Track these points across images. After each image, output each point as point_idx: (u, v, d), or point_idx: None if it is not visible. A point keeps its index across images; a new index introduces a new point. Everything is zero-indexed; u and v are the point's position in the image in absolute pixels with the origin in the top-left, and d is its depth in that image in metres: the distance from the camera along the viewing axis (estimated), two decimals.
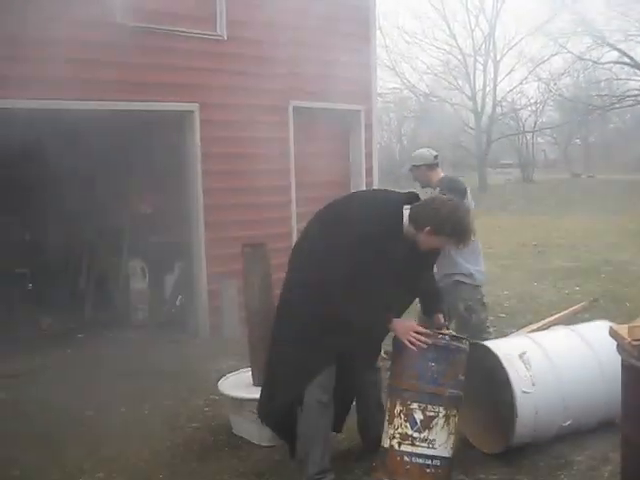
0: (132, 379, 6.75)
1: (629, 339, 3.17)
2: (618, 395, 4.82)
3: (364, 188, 9.87)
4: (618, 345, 3.30)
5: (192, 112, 7.98)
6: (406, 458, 4.17)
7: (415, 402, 4.19)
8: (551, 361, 4.87)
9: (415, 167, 6.45)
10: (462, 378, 4.30)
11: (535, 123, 41.37)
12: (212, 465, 4.84)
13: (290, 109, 8.88)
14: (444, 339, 4.26)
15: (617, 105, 38.37)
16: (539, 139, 45.41)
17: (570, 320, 8.11)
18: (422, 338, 4.15)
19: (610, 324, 5.53)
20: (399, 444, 4.19)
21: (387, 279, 4.15)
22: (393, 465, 4.20)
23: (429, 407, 4.17)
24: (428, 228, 4.16)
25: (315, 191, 9.26)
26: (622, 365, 3.29)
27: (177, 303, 8.79)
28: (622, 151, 50.79)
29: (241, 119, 8.39)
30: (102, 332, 8.33)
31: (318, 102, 9.18)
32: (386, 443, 4.27)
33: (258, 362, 5.38)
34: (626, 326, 3.31)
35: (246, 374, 5.59)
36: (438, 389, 4.20)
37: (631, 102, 38.48)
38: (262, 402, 4.61)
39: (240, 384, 5.43)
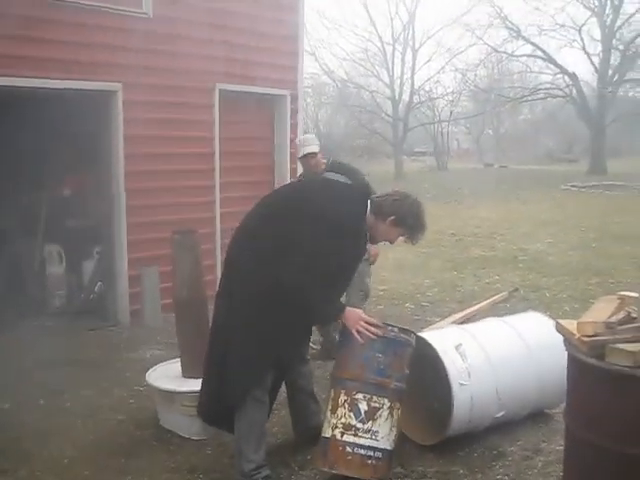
0: (50, 369, 6.46)
1: (578, 335, 3.16)
2: (548, 387, 4.93)
3: (288, 173, 9.78)
4: (566, 340, 3.29)
5: (115, 92, 7.68)
6: (348, 448, 4.11)
7: (360, 392, 4.14)
8: (486, 353, 4.88)
9: (312, 154, 6.44)
10: (407, 372, 4.27)
11: (451, 112, 41.96)
12: (141, 460, 4.67)
13: (216, 92, 8.67)
14: (393, 331, 4.22)
15: (529, 97, 39.37)
16: (453, 128, 46.11)
17: (491, 309, 8.27)
18: (371, 329, 4.09)
19: (539, 315, 5.65)
20: (342, 434, 4.13)
21: (348, 272, 4.30)
22: (334, 455, 4.13)
23: (374, 398, 4.13)
24: (392, 218, 4.19)
25: (240, 176, 9.16)
26: (569, 360, 3.28)
27: (96, 290, 8.47)
28: (532, 142, 52.23)
29: (166, 100, 8.15)
30: (15, 319, 7.94)
31: (244, 85, 9.00)
32: (328, 433, 4.19)
33: (188, 352, 5.24)
34: (574, 322, 3.29)
35: (174, 365, 5.43)
36: (384, 381, 4.16)
37: (542, 95, 39.56)
38: (207, 402, 4.44)
39: (169, 375, 5.26)
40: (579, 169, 38.09)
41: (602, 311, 3.35)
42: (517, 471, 4.53)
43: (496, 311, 7.80)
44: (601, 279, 10.59)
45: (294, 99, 9.79)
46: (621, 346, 2.98)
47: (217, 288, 4.48)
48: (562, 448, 4.64)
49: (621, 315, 3.22)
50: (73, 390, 5.96)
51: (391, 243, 4.58)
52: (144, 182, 8.02)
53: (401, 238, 4.42)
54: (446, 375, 4.60)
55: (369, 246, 5.54)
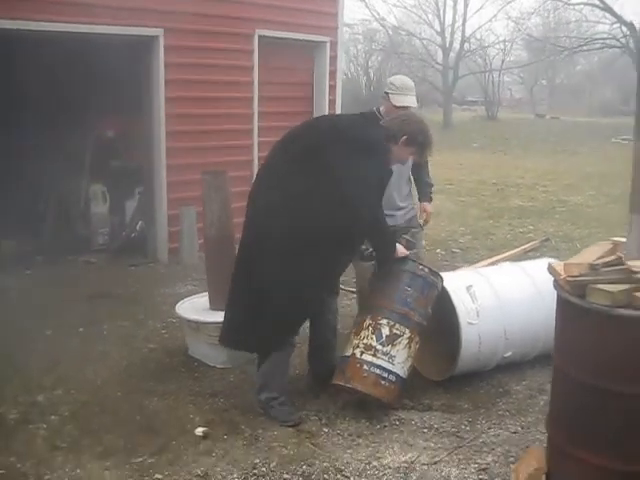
0: (91, 301, 6.89)
1: (564, 275, 3.35)
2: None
3: None
4: (555, 280, 3.48)
5: (156, 37, 7.91)
6: (365, 367, 4.45)
7: (385, 318, 4.50)
8: (496, 295, 5.09)
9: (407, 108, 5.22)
10: (430, 312, 4.59)
11: (502, 62, 41.29)
12: (168, 384, 5.02)
13: (255, 37, 8.84)
14: (423, 270, 4.63)
15: (585, 47, 38.42)
16: (506, 78, 45.37)
17: (520, 258, 8.40)
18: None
19: (556, 261, 5.80)
20: (362, 353, 4.48)
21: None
22: (352, 371, 4.47)
23: (397, 325, 4.49)
24: (404, 138, 4.42)
25: (277, 120, 9.31)
26: (557, 300, 3.48)
27: (137, 228, 8.83)
28: (587, 94, 51.11)
29: (206, 46, 8.37)
30: (62, 255, 8.37)
31: (284, 32, 9.14)
32: (348, 352, 4.54)
33: (215, 287, 5.54)
34: (562, 263, 3.49)
35: (203, 298, 5.75)
36: (409, 312, 4.53)
37: (599, 45, 38.55)
38: (232, 329, 4.58)
39: (197, 308, 5.60)
40: (634, 122, 37.27)
41: (592, 254, 3.53)
42: (519, 408, 4.76)
43: (525, 260, 7.94)
44: None
45: (333, 46, 9.88)
46: (601, 286, 3.16)
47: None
48: None
49: (610, 258, 3.39)
50: (111, 321, 6.35)
51: (402, 164, 4.83)
52: (183, 125, 8.29)
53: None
54: (455, 314, 4.83)
55: (424, 205, 5.73)
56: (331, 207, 4.18)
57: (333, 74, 10.00)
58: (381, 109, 5.23)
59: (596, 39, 37.77)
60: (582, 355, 3.32)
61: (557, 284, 3.44)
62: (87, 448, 4.12)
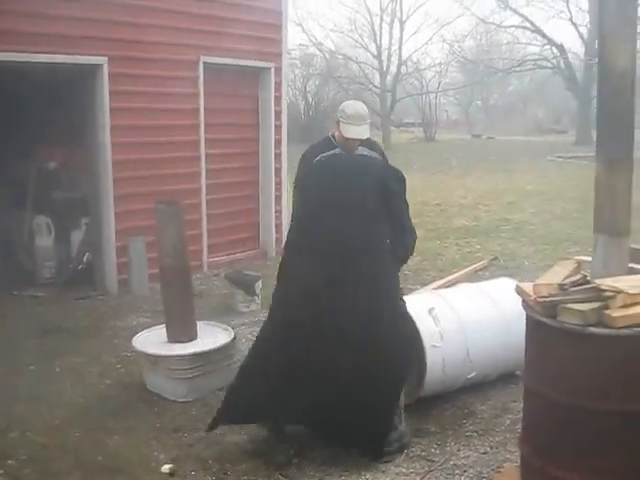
0: (40, 337, 6.69)
1: (534, 296, 3.37)
2: (517, 349, 5.14)
3: (273, 145, 9.92)
4: (523, 301, 3.50)
5: (101, 65, 7.78)
6: None
7: None
8: (458, 316, 5.10)
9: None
10: None
11: (439, 84, 42.00)
12: (129, 421, 4.88)
13: (200, 64, 8.78)
14: None
15: (518, 69, 39.42)
16: (442, 99, 46.13)
17: (471, 277, 8.48)
18: None
19: (512, 281, 5.85)
20: None
21: None
22: None
23: None
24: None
25: (225, 147, 9.33)
26: (527, 320, 3.49)
27: (84, 260, 8.63)
28: (521, 113, 52.31)
29: (151, 74, 8.27)
30: (6, 290, 8.12)
31: (229, 58, 9.11)
32: None
33: (173, 318, 5.44)
34: (531, 284, 3.50)
35: (159, 331, 5.63)
36: None
37: (531, 66, 39.61)
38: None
39: (154, 340, 5.48)
40: (567, 140, 38.26)
41: (558, 274, 3.56)
42: (486, 428, 4.77)
43: (476, 279, 8.02)
44: (580, 248, 10.76)
45: (278, 71, 9.89)
46: (572, 306, 3.19)
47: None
48: None
49: (576, 277, 3.43)
50: (63, 357, 6.16)
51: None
52: (130, 154, 8.16)
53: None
54: (419, 338, 4.82)
55: None
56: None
57: (278, 99, 10.00)
58: (335, 135, 5.04)
59: (528, 60, 38.82)
60: (555, 374, 3.33)
61: (527, 305, 3.46)
62: None
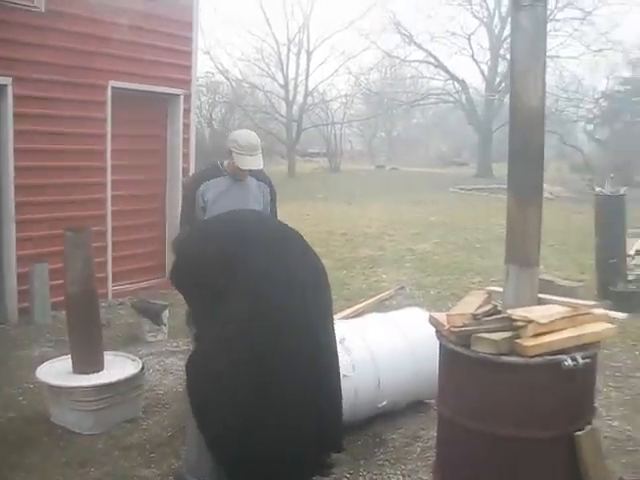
0: None
1: (448, 326, 3.43)
2: (426, 377, 5.23)
3: (180, 172, 9.82)
4: (437, 331, 3.56)
5: (5, 86, 7.55)
6: None
7: None
8: (368, 346, 5.14)
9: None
10: None
11: (344, 114, 42.63)
12: (33, 456, 4.67)
13: (109, 89, 8.64)
14: None
15: (421, 102, 40.47)
16: (347, 130, 46.83)
17: (379, 306, 8.58)
18: None
19: (421, 310, 5.96)
20: None
21: None
22: None
23: None
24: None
25: (132, 174, 9.18)
26: (440, 349, 3.55)
27: None
28: (424, 145, 53.63)
29: (57, 97, 8.06)
30: None
31: (137, 84, 9.00)
32: None
33: (79, 348, 5.28)
34: (445, 314, 3.57)
35: (63, 361, 5.45)
36: None
37: (434, 100, 40.75)
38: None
39: (59, 371, 5.29)
40: (468, 172, 39.42)
41: (470, 304, 3.64)
42: (397, 457, 4.80)
43: (383, 308, 8.12)
44: (483, 278, 11.10)
45: (187, 99, 9.82)
46: (485, 335, 3.27)
47: None
48: None
49: (487, 307, 3.52)
50: None
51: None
52: (34, 178, 7.93)
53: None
54: None
55: None
56: None
57: (187, 127, 9.92)
58: (225, 164, 4.95)
59: (431, 94, 39.92)
60: (468, 402, 3.40)
61: (440, 334, 3.52)
62: None
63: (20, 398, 5.76)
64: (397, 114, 46.94)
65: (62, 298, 7.82)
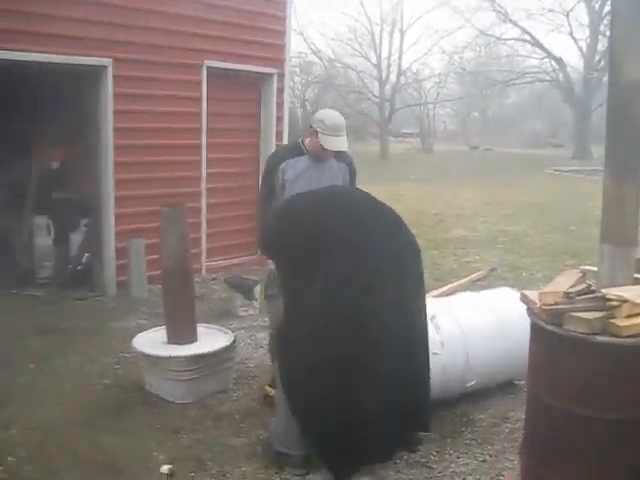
0: (39, 336, 6.67)
1: (540, 304, 3.39)
2: (517, 357, 5.16)
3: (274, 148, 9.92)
4: (529, 309, 3.52)
5: (105, 67, 7.79)
6: None
7: None
8: (459, 324, 5.11)
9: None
10: None
11: (437, 94, 42.13)
12: (128, 421, 4.87)
13: (204, 68, 8.80)
14: None
15: (517, 81, 39.56)
16: (439, 110, 46.30)
17: (469, 287, 8.49)
18: None
19: (512, 290, 5.88)
20: None
21: None
22: None
23: None
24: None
25: (226, 152, 9.35)
26: (531, 328, 3.51)
27: (83, 261, 8.63)
28: (518, 126, 52.46)
29: (155, 77, 8.28)
30: (5, 289, 8.10)
31: (232, 63, 9.14)
32: None
33: (173, 320, 5.44)
34: (537, 292, 3.52)
35: (159, 332, 5.62)
36: None
37: (529, 79, 39.77)
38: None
39: (154, 342, 5.46)
40: (564, 153, 38.43)
41: (563, 283, 3.57)
42: (485, 437, 4.77)
43: (474, 289, 8.02)
44: (577, 260, 10.81)
45: (281, 78, 9.91)
46: (577, 314, 3.21)
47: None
48: None
49: (581, 287, 3.45)
50: (62, 356, 6.15)
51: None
52: (132, 156, 8.16)
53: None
54: None
55: None
56: None
57: (280, 106, 10.01)
58: (306, 142, 4.94)
59: (527, 73, 38.97)
60: (558, 382, 3.34)
61: (532, 313, 3.47)
62: None
63: (116, 367, 6.00)
64: (491, 94, 46.04)
65: (158, 272, 8.15)
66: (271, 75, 9.77)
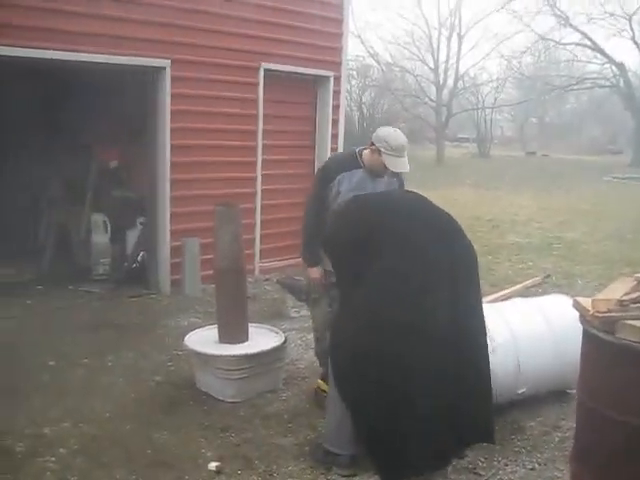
0: (94, 332, 6.81)
1: (592, 311, 3.34)
2: (568, 365, 5.08)
3: (328, 153, 9.95)
4: (581, 316, 3.47)
5: (164, 68, 7.90)
6: None
7: None
8: (511, 331, 5.05)
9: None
10: None
11: (495, 99, 41.72)
12: (178, 418, 4.94)
13: (261, 71, 8.87)
14: None
15: (576, 86, 38.93)
16: (497, 116, 45.81)
17: (523, 294, 8.38)
18: None
19: (566, 297, 5.79)
20: None
21: None
22: None
23: None
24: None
25: (282, 154, 9.40)
26: (584, 335, 3.46)
27: (138, 259, 8.77)
28: (576, 132, 51.63)
29: (212, 78, 8.37)
30: (62, 285, 8.30)
31: (289, 65, 9.19)
32: None
33: (225, 319, 5.50)
34: (590, 299, 3.47)
35: (211, 331, 5.68)
36: None
37: (589, 84, 39.10)
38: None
39: (206, 340, 5.51)
40: (623, 160, 37.68)
41: (617, 290, 3.51)
42: (534, 445, 4.72)
43: (528, 296, 7.92)
44: (633, 269, 10.60)
45: (337, 80, 9.92)
46: (631, 322, 3.15)
47: None
48: None
49: (635, 294, 3.39)
50: (115, 352, 6.27)
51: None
52: (188, 156, 8.26)
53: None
54: None
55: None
56: None
57: (336, 109, 10.03)
58: (364, 157, 4.95)
59: (587, 78, 38.32)
60: (610, 391, 3.30)
61: (584, 320, 3.42)
62: None
63: (169, 364, 6.08)
64: (550, 99, 45.40)
65: (211, 272, 8.25)
66: (327, 78, 9.79)
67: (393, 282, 3.89)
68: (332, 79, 9.84)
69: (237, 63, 8.60)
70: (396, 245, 3.95)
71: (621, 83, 37.46)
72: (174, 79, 8.00)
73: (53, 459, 4.29)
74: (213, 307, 7.69)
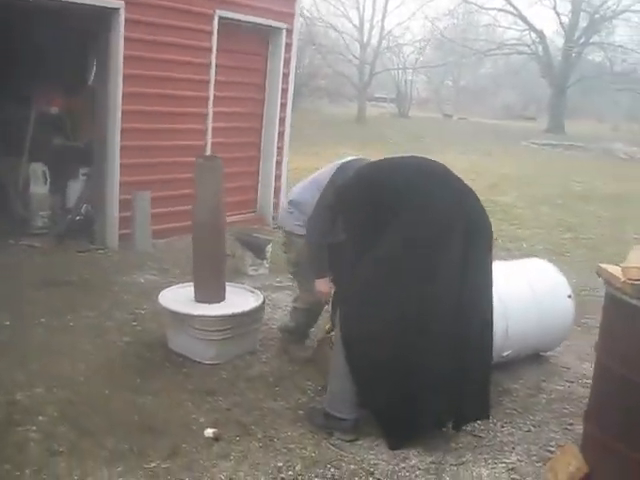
0: (45, 289, 6.43)
1: (624, 278, 3.28)
2: (547, 328, 5.25)
3: (278, 107, 9.68)
4: (607, 283, 3.41)
5: (117, 9, 7.43)
6: None
7: None
8: (498, 294, 4.97)
9: None
10: None
11: (416, 60, 41.84)
12: (158, 381, 4.68)
13: (216, 18, 8.47)
14: None
15: (497, 51, 39.43)
16: (414, 77, 45.98)
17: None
18: None
19: (543, 261, 5.81)
20: None
21: None
22: None
23: None
24: None
25: (232, 106, 9.08)
26: (610, 301, 3.44)
27: (82, 212, 8.32)
28: (491, 97, 52.46)
29: (167, 23, 7.95)
30: (2, 239, 7.77)
31: (243, 14, 8.82)
32: None
33: (202, 276, 5.24)
34: (618, 266, 3.40)
35: (184, 289, 5.41)
36: None
37: (508, 50, 39.69)
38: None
39: (180, 299, 5.24)
40: (537, 127, 38.52)
41: None
42: (524, 407, 4.73)
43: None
44: (573, 234, 10.88)
45: (289, 33, 9.62)
46: None
47: None
48: (561, 388, 5.09)
49: None
50: (73, 311, 5.91)
51: None
52: (141, 105, 7.86)
53: None
54: None
55: None
56: None
57: (287, 62, 9.73)
58: None
59: (506, 44, 38.87)
60: (636, 355, 3.25)
61: (613, 286, 3.37)
62: (90, 453, 3.74)
63: (134, 323, 5.78)
64: (467, 63, 45.82)
65: (162, 227, 7.93)
66: (280, 30, 9.48)
67: (404, 246, 3.90)
68: (285, 31, 9.53)
69: (192, 8, 8.21)
70: (409, 210, 3.95)
71: (540, 51, 38.10)
72: (128, 22, 7.54)
73: (34, 428, 3.95)
74: (168, 264, 7.49)
